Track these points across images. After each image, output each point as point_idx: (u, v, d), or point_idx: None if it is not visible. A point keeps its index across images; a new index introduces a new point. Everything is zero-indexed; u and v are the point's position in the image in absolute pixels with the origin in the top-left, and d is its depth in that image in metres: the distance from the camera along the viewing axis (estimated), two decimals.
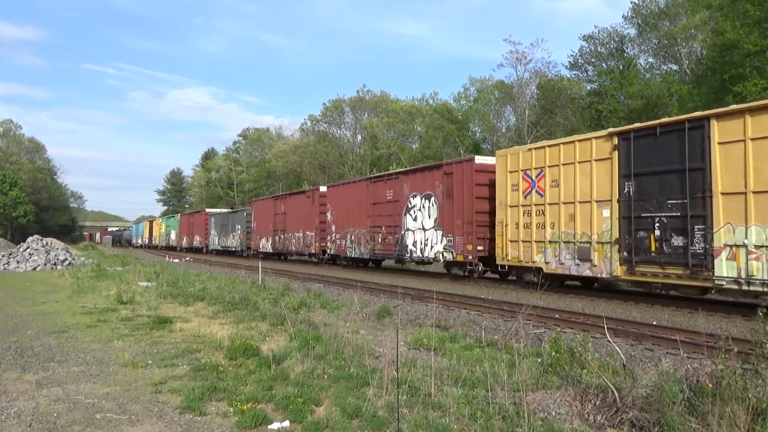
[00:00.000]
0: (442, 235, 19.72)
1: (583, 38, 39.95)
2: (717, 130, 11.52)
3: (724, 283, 11.29)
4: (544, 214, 15.57)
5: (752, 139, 10.88)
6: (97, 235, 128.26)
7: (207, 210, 54.44)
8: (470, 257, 18.45)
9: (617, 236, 13.34)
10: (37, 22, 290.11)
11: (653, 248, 12.63)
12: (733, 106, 11.65)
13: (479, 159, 19.16)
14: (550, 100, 41.81)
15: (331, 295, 16.27)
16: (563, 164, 14.97)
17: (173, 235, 62.52)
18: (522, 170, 16.31)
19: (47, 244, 33.27)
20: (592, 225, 14.07)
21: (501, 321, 11.25)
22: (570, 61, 41.29)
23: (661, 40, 35.71)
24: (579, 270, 14.56)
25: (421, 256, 21.01)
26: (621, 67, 35.38)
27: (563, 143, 15.30)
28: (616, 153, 13.59)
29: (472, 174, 18.60)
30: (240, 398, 6.02)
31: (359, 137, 60.96)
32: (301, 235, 31.44)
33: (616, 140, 13.63)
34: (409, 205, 21.69)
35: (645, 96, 31.42)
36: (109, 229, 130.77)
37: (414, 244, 21.42)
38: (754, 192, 10.78)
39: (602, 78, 35.55)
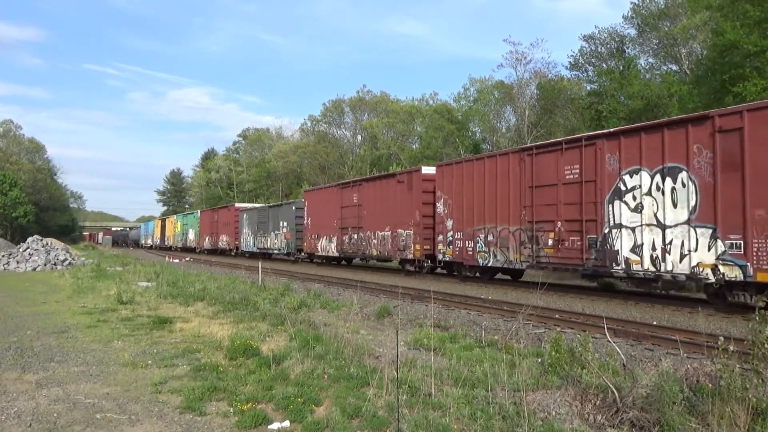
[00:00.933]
0: (713, 236, 11.75)
1: (584, 38, 39.92)
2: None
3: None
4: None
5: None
6: (100, 235, 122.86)
7: (237, 205, 45.79)
8: None
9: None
10: (37, 22, 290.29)
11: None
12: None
13: None
14: (550, 101, 41.79)
15: (331, 295, 16.27)
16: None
17: (191, 235, 55.42)
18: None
19: (47, 244, 33.28)
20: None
21: (501, 321, 11.25)
22: (570, 62, 41.22)
23: (662, 40, 35.71)
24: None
25: (653, 270, 12.86)
26: (621, 68, 35.36)
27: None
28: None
29: None
30: (240, 398, 6.02)
31: (359, 137, 60.99)
32: (387, 234, 23.54)
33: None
34: (623, 187, 13.75)
35: (645, 96, 31.40)
36: (113, 229, 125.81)
37: (636, 249, 13.27)
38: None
39: (602, 78, 35.53)
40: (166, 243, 66.67)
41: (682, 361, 7.20)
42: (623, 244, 13.61)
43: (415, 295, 15.27)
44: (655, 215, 12.96)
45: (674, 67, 36.17)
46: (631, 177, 13.57)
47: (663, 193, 12.78)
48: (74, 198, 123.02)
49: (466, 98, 52.64)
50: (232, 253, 44.31)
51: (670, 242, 12.58)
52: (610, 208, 14.03)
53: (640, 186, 13.30)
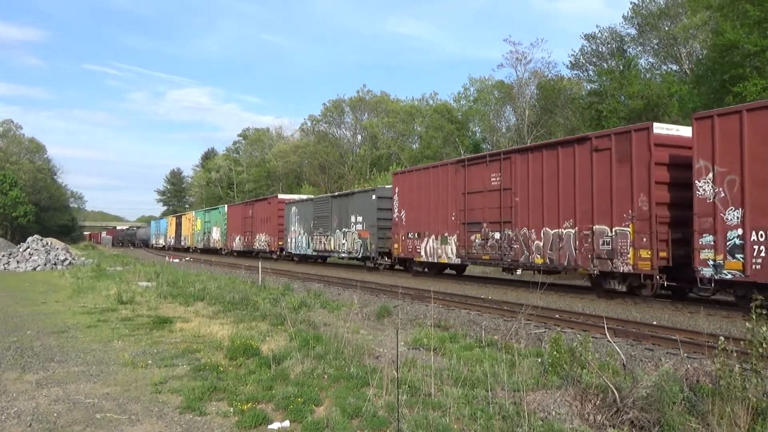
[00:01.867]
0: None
1: (585, 37, 39.95)
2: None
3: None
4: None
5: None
6: (103, 234, 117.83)
7: (281, 196, 36.77)
8: None
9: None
10: (37, 22, 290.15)
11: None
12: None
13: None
14: (550, 100, 41.80)
15: (331, 295, 16.27)
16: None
17: (216, 234, 46.90)
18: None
19: (47, 244, 33.28)
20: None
21: (501, 321, 11.25)
22: (571, 61, 41.27)
23: (662, 39, 35.71)
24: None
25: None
26: (621, 67, 35.37)
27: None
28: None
29: None
30: (240, 398, 6.02)
31: (359, 137, 61.01)
32: (571, 232, 14.96)
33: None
34: None
35: (645, 96, 31.41)
36: (118, 228, 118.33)
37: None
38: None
39: (602, 78, 35.54)
40: (182, 243, 57.44)
41: (682, 361, 7.20)
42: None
43: (415, 294, 15.27)
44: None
45: (674, 67, 36.18)
46: None
47: None
48: (74, 198, 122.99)
49: (466, 98, 52.69)
50: (274, 256, 35.76)
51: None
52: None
53: None
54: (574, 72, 41.81)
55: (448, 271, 22.53)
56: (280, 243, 34.51)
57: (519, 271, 18.47)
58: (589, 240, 14.40)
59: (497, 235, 17.60)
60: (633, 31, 37.63)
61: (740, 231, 11.13)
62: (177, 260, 37.49)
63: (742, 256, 11.06)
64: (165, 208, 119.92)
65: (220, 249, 45.71)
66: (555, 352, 7.06)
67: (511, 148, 22.57)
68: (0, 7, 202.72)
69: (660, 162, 13.10)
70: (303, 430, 5.20)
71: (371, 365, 7.09)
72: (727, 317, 11.20)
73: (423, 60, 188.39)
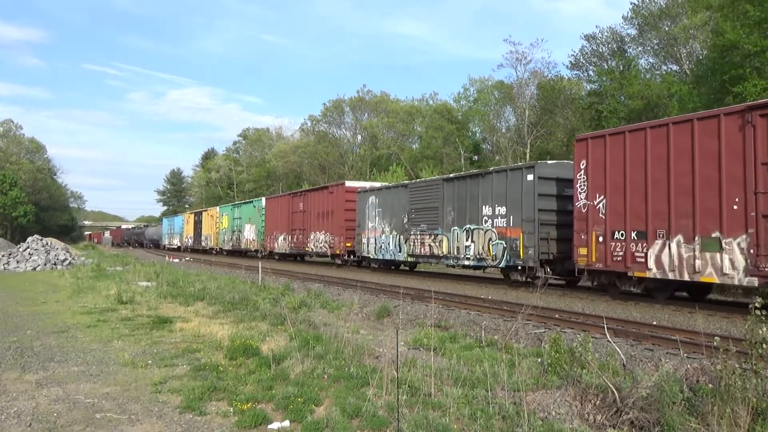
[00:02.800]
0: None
1: (585, 38, 39.98)
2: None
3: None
4: None
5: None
6: (106, 234, 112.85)
7: (349, 183, 27.92)
8: None
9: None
10: (37, 22, 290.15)
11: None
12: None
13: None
14: (549, 101, 41.81)
15: (331, 295, 16.27)
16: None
17: (249, 233, 38.51)
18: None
19: (47, 244, 33.28)
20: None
21: (501, 321, 11.25)
22: (571, 61, 41.31)
23: (662, 40, 35.72)
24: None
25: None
26: (621, 67, 35.39)
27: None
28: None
29: None
30: (240, 398, 6.02)
31: (359, 137, 61.02)
32: None
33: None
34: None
35: (645, 96, 31.43)
36: (123, 227, 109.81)
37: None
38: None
39: (602, 78, 35.56)
40: (203, 243, 49.52)
41: (682, 361, 7.20)
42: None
43: (415, 295, 15.27)
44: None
45: (674, 67, 36.19)
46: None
47: None
48: (74, 198, 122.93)
49: (466, 98, 52.71)
50: (339, 261, 27.76)
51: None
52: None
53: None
54: (574, 72, 41.89)
55: (713, 295, 14.66)
56: (349, 245, 26.39)
57: None
58: None
59: None
60: (633, 32, 37.68)
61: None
62: (177, 260, 37.49)
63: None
64: (165, 208, 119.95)
65: (256, 251, 37.21)
66: (555, 352, 7.07)
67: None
68: (0, 7, 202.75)
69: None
70: (303, 430, 5.19)
71: (371, 365, 7.09)
72: (727, 317, 11.21)
73: (423, 60, 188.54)
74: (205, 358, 7.96)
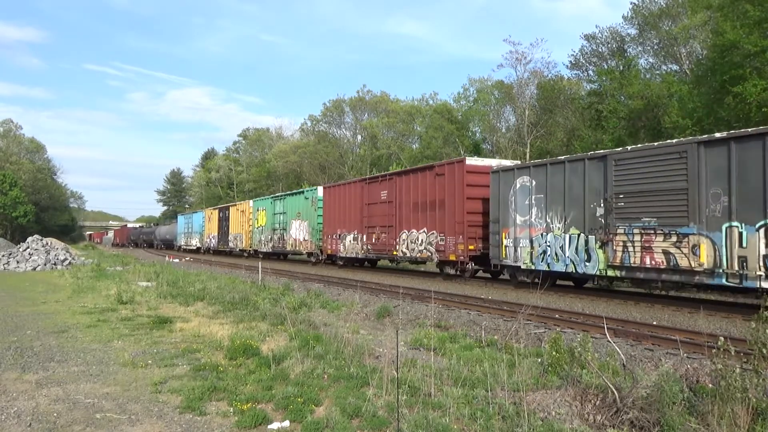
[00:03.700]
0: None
1: (585, 38, 39.97)
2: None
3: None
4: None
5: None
6: (110, 234, 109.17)
7: (471, 162, 20.02)
8: None
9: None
10: (37, 22, 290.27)
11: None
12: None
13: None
14: (549, 101, 41.80)
15: (331, 295, 16.27)
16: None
17: (299, 232, 30.86)
18: None
19: (47, 244, 33.29)
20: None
21: (501, 321, 11.25)
22: (571, 61, 41.29)
23: (662, 39, 35.72)
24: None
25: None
26: (621, 67, 35.39)
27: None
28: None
29: None
30: (240, 398, 6.02)
31: (359, 137, 61.00)
32: None
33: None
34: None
35: (645, 96, 31.42)
36: (129, 226, 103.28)
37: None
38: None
39: (602, 78, 35.56)
40: (231, 244, 42.43)
41: (682, 361, 7.20)
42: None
43: (415, 295, 15.27)
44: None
45: (674, 67, 36.17)
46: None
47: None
48: (74, 198, 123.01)
49: (466, 98, 52.68)
50: (450, 271, 20.13)
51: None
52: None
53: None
54: (574, 72, 41.86)
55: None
56: (472, 247, 19.13)
57: None
58: None
59: None
60: (633, 31, 37.67)
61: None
62: (177, 260, 37.48)
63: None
64: (165, 208, 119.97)
65: (309, 254, 30.22)
66: (555, 352, 7.06)
67: None
68: (0, 7, 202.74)
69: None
70: (303, 430, 5.19)
71: (371, 365, 7.09)
72: (727, 317, 11.21)
73: (423, 60, 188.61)
74: (205, 358, 7.96)
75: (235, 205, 43.48)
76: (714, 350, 5.47)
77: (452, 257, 19.53)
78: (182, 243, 57.80)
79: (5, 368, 7.53)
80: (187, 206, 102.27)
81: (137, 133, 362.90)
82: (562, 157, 16.38)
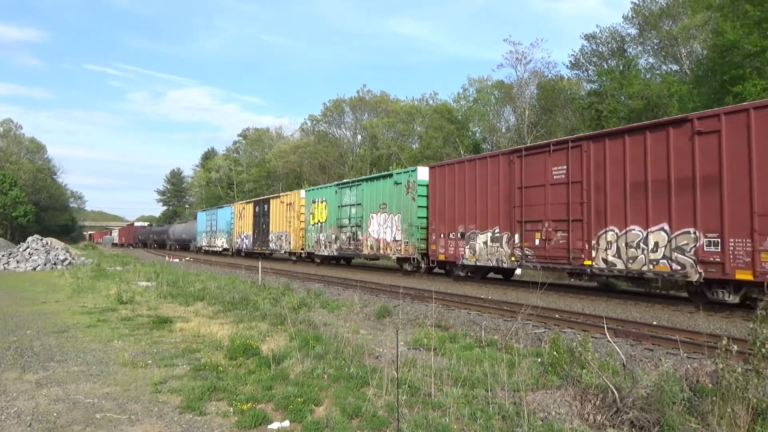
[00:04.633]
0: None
1: (585, 37, 39.97)
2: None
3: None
4: None
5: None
6: (113, 234, 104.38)
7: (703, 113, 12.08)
8: None
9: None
10: (37, 22, 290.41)
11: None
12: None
13: None
14: (549, 100, 41.80)
15: (331, 295, 16.26)
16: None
17: (386, 229, 23.17)
18: None
19: (47, 243, 33.28)
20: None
21: (501, 321, 11.25)
22: (571, 61, 41.30)
23: (662, 39, 35.73)
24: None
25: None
26: (621, 67, 35.39)
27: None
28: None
29: None
30: (240, 398, 6.02)
31: (359, 137, 60.98)
32: None
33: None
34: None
35: (645, 96, 31.42)
36: (136, 224, 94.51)
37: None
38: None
39: (602, 78, 35.56)
40: (273, 245, 34.88)
41: (682, 361, 7.20)
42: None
43: (415, 294, 15.27)
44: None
45: (674, 67, 36.18)
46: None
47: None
48: (74, 198, 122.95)
49: (466, 98, 52.66)
50: (716, 295, 12.02)
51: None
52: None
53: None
54: (574, 72, 41.86)
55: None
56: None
57: None
58: None
59: None
60: (633, 31, 37.68)
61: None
62: (177, 260, 37.48)
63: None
64: (165, 208, 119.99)
65: (402, 260, 22.64)
66: (555, 352, 7.06)
67: None
68: (0, 7, 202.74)
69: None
70: (303, 430, 5.19)
71: (371, 365, 7.09)
72: (727, 317, 11.21)
73: (423, 60, 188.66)
74: (205, 358, 7.95)
75: (279, 196, 35.18)
76: (717, 351, 5.46)
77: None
78: (203, 244, 49.53)
79: (5, 368, 7.53)
80: (187, 206, 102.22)
81: (137, 133, 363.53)
82: None
